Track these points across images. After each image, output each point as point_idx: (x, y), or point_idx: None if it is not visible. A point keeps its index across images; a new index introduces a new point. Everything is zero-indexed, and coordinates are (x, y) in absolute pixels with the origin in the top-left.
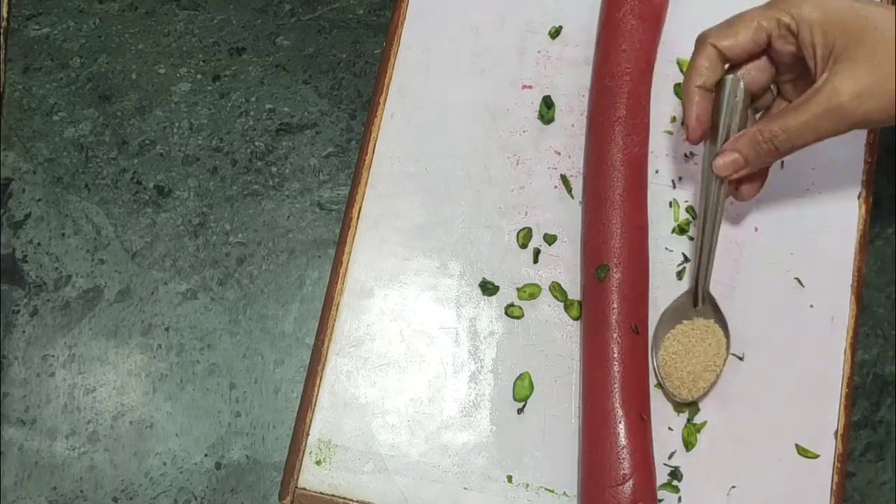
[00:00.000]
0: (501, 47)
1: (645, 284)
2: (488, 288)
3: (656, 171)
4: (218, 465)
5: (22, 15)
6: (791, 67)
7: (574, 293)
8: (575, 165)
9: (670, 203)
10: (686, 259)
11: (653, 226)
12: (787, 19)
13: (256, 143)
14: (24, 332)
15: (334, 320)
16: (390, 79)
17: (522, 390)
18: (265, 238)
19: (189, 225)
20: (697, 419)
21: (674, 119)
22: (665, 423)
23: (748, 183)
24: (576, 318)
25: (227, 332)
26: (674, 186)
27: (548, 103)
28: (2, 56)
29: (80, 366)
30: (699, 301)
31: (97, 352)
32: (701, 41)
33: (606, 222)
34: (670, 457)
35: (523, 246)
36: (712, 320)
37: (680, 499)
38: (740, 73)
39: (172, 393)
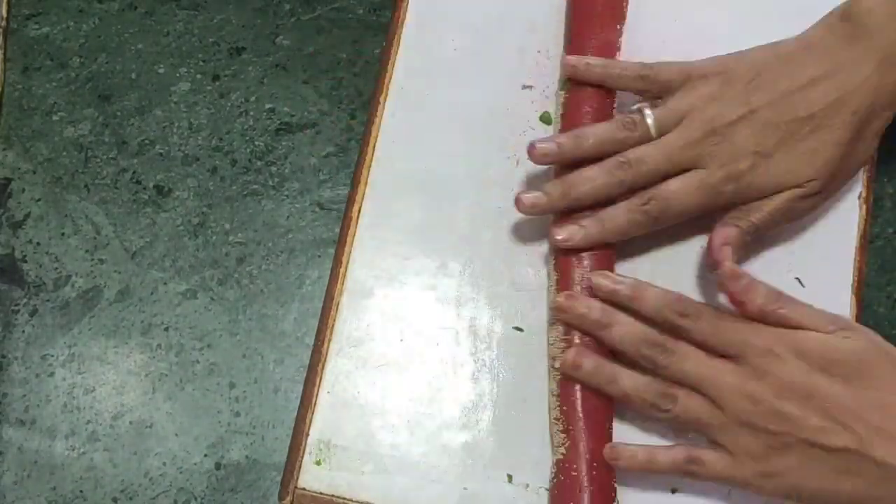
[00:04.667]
0: (501, 47)
1: None
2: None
3: None
4: (217, 465)
5: (22, 14)
6: None
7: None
8: None
9: None
10: None
11: None
12: None
13: (256, 143)
14: (23, 331)
15: (334, 320)
16: (390, 78)
17: None
18: (265, 238)
19: (189, 225)
20: None
21: None
22: None
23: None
24: None
25: (226, 332)
26: None
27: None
28: (1, 56)
29: (80, 365)
30: None
31: (97, 351)
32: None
33: None
34: None
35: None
36: None
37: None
38: None
39: (172, 393)
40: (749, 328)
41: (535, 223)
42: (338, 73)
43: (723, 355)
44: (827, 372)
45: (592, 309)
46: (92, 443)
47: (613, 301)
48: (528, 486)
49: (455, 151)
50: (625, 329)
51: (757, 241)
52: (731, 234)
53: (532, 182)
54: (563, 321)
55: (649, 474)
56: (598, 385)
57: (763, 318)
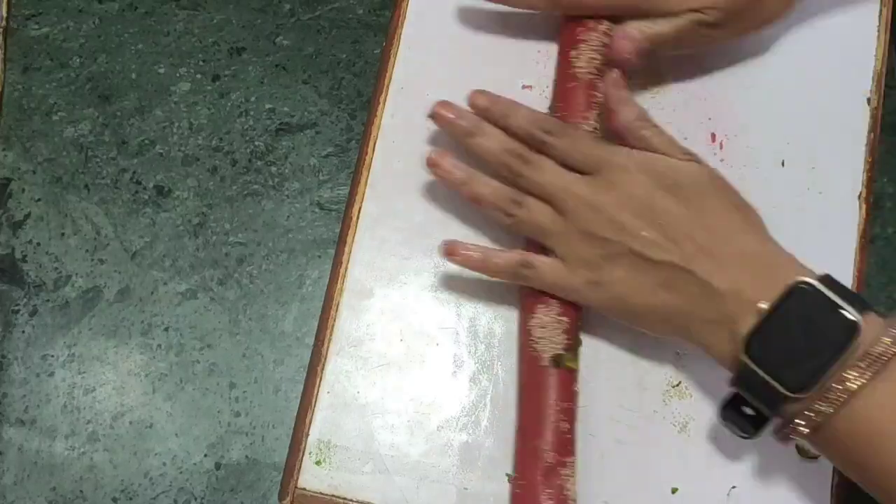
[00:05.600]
0: (501, 47)
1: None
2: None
3: None
4: (217, 465)
5: (22, 15)
6: None
7: None
8: None
9: None
10: None
11: None
12: None
13: (256, 143)
14: (23, 331)
15: (334, 320)
16: (390, 78)
17: None
18: (265, 238)
19: (189, 225)
20: (696, 416)
21: None
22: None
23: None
24: None
25: (226, 332)
26: None
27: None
28: (1, 56)
29: (80, 366)
30: None
31: (97, 352)
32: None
33: None
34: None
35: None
36: None
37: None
38: None
39: (172, 393)
40: (607, 147)
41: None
42: (338, 73)
43: (581, 171)
44: (668, 192)
45: (463, 117)
46: (92, 443)
47: (487, 117)
48: None
49: (455, 151)
50: (489, 139)
51: None
52: (632, 34)
53: None
54: (438, 125)
55: (484, 274)
56: (453, 185)
57: (625, 135)
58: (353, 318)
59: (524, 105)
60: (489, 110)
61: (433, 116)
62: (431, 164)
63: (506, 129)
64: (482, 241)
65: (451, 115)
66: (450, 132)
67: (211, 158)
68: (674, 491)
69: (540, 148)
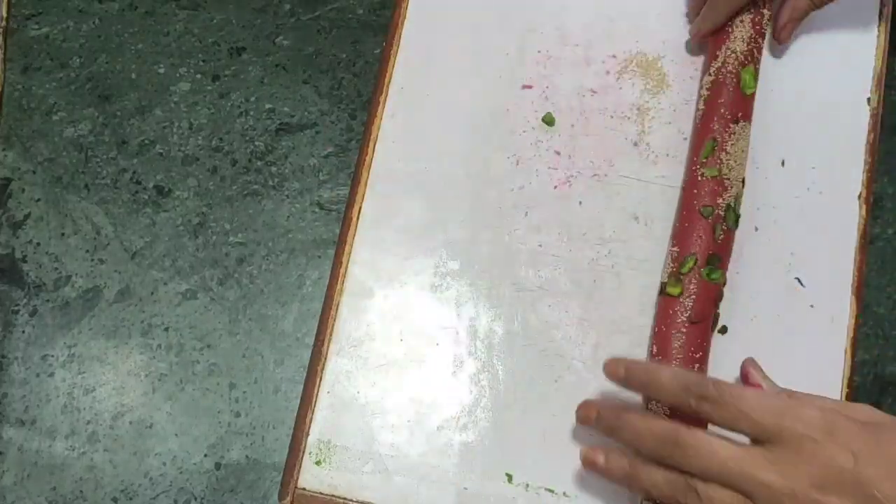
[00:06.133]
0: (501, 47)
1: None
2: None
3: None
4: (218, 465)
5: (22, 15)
6: None
7: (574, 292)
8: (574, 165)
9: None
10: None
11: None
12: None
13: (256, 143)
14: (23, 332)
15: (334, 320)
16: (390, 78)
17: None
18: (265, 238)
19: (189, 225)
20: None
21: None
22: None
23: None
24: None
25: (226, 332)
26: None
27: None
28: (1, 56)
29: (80, 366)
30: None
31: (97, 352)
32: None
33: None
34: None
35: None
36: None
37: None
38: None
39: (172, 393)
40: (777, 409)
41: (534, 223)
42: (338, 73)
43: (751, 438)
44: (866, 459)
45: (602, 415)
46: (92, 443)
47: (630, 388)
48: (527, 485)
49: (455, 151)
50: (634, 429)
51: (757, 242)
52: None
53: (532, 182)
54: (584, 425)
55: None
56: (617, 481)
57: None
58: (353, 318)
59: (667, 367)
60: (628, 381)
61: (579, 421)
62: (587, 464)
63: (654, 400)
64: (482, 243)
65: (592, 415)
66: (598, 430)
67: (211, 158)
68: None
69: (698, 416)
